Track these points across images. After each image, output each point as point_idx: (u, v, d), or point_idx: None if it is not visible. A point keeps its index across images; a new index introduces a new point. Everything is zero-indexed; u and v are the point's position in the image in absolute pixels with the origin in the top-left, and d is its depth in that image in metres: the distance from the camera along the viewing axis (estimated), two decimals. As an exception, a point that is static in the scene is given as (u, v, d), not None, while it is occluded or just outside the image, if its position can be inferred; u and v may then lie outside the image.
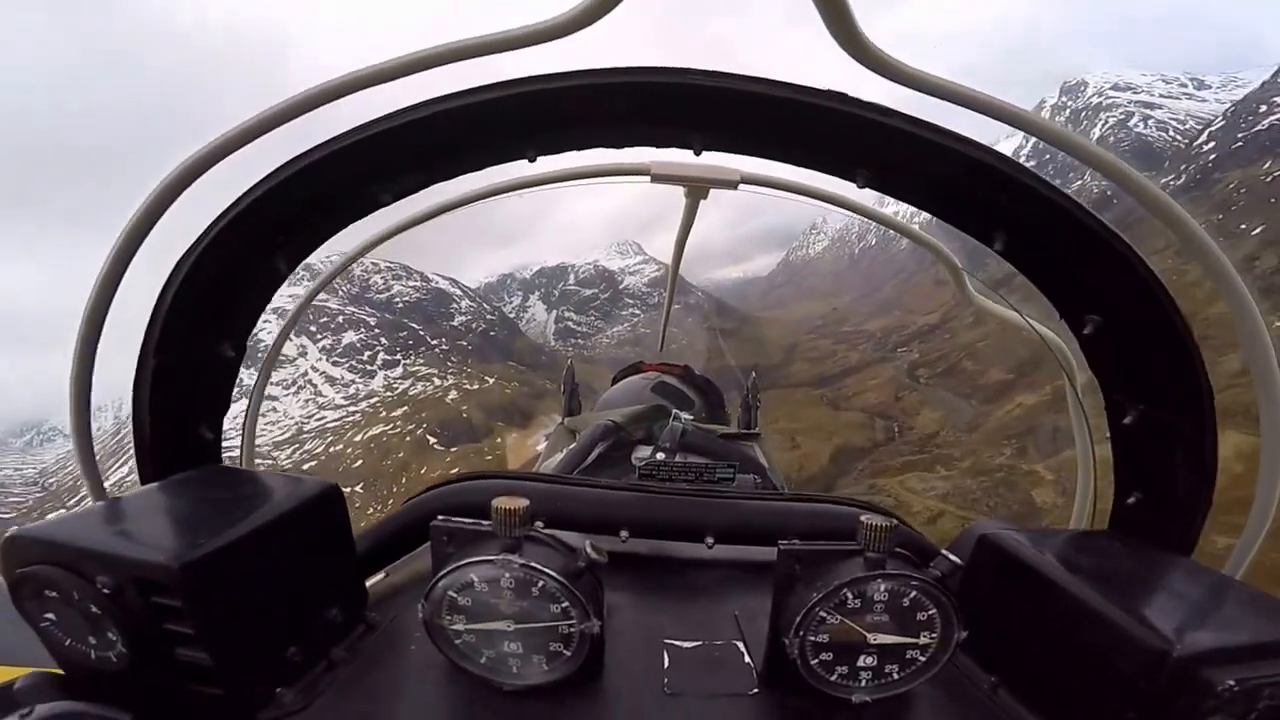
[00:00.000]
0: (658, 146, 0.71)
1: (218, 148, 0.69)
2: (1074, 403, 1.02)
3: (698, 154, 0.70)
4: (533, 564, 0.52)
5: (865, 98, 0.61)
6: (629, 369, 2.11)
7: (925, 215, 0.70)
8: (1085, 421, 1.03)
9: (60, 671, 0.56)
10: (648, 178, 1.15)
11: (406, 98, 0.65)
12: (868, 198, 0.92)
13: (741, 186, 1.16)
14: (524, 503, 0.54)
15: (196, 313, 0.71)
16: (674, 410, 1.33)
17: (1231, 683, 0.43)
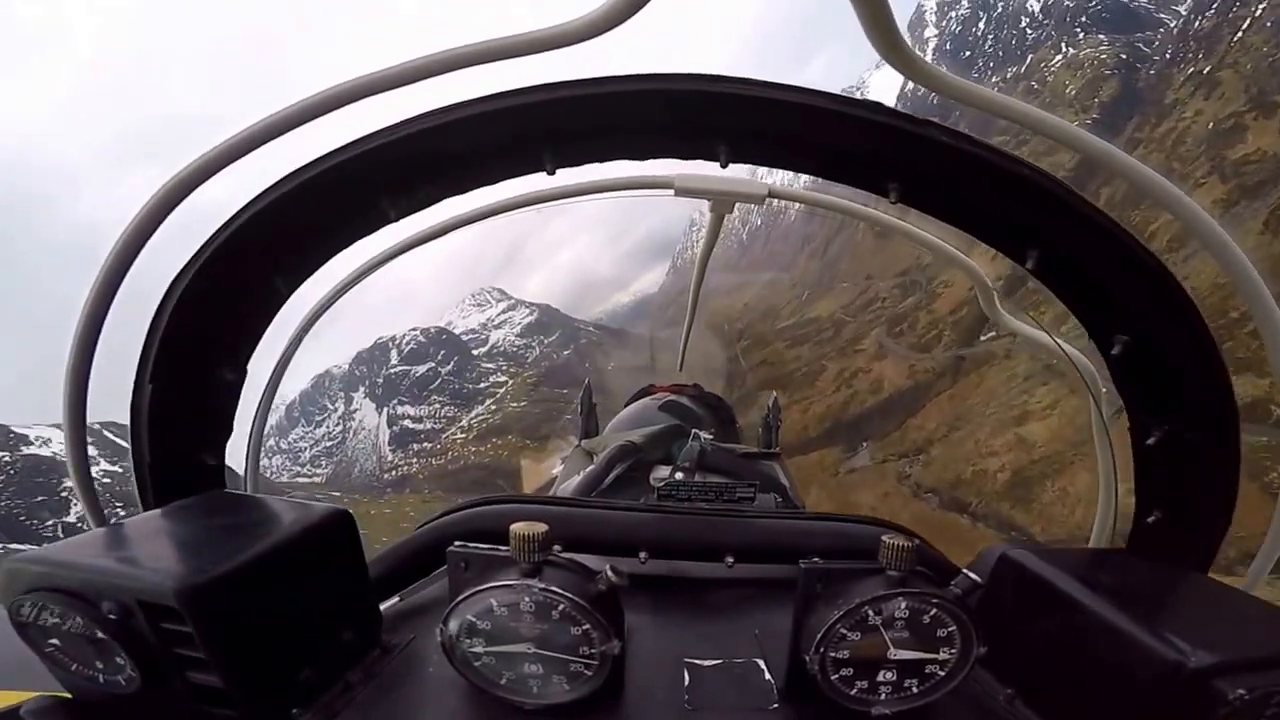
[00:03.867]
0: (683, 158, 0.80)
1: (218, 156, 0.76)
2: (1098, 423, 1.22)
3: (724, 166, 0.80)
4: (553, 588, 0.60)
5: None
6: (640, 393, 2.40)
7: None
8: (1108, 442, 1.21)
9: (68, 695, 0.63)
10: (671, 192, 1.30)
11: (417, 106, 0.72)
12: (895, 212, 1.04)
13: (769, 200, 1.31)
14: (543, 528, 0.62)
15: (194, 336, 0.79)
16: (693, 430, 1.52)
17: (1242, 692, 0.53)
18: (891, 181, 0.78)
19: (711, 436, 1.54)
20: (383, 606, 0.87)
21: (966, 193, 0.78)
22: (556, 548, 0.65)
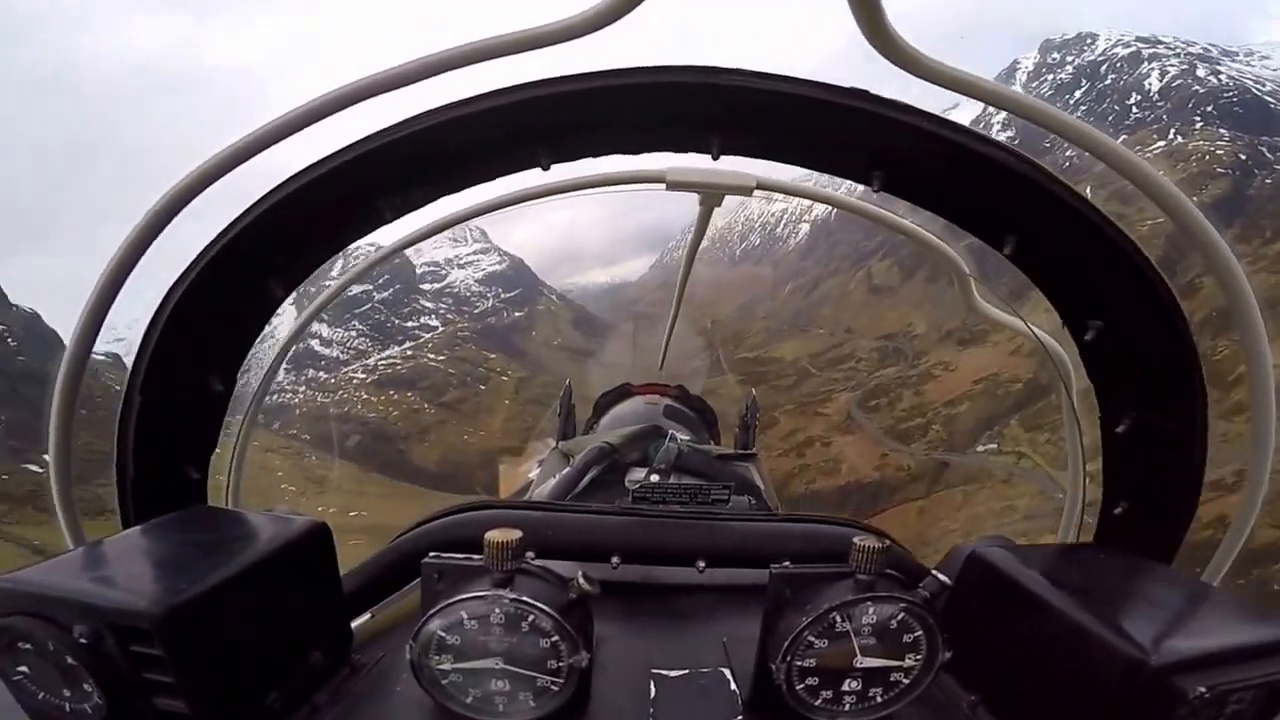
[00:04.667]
0: (676, 151, 0.86)
1: (216, 166, 0.81)
2: (1068, 412, 1.25)
3: (716, 158, 0.84)
4: (524, 599, 0.62)
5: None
6: (615, 391, 2.46)
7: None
8: (1078, 433, 1.26)
9: None
10: (663, 185, 1.37)
11: (412, 108, 0.76)
12: (878, 203, 1.08)
13: (756, 192, 1.40)
14: (516, 534, 0.64)
15: (186, 346, 0.83)
16: (670, 431, 1.58)
17: (1203, 690, 0.55)
18: (875, 170, 0.81)
19: (689, 438, 1.62)
20: (356, 622, 0.89)
21: (947, 179, 0.82)
22: (530, 555, 0.67)
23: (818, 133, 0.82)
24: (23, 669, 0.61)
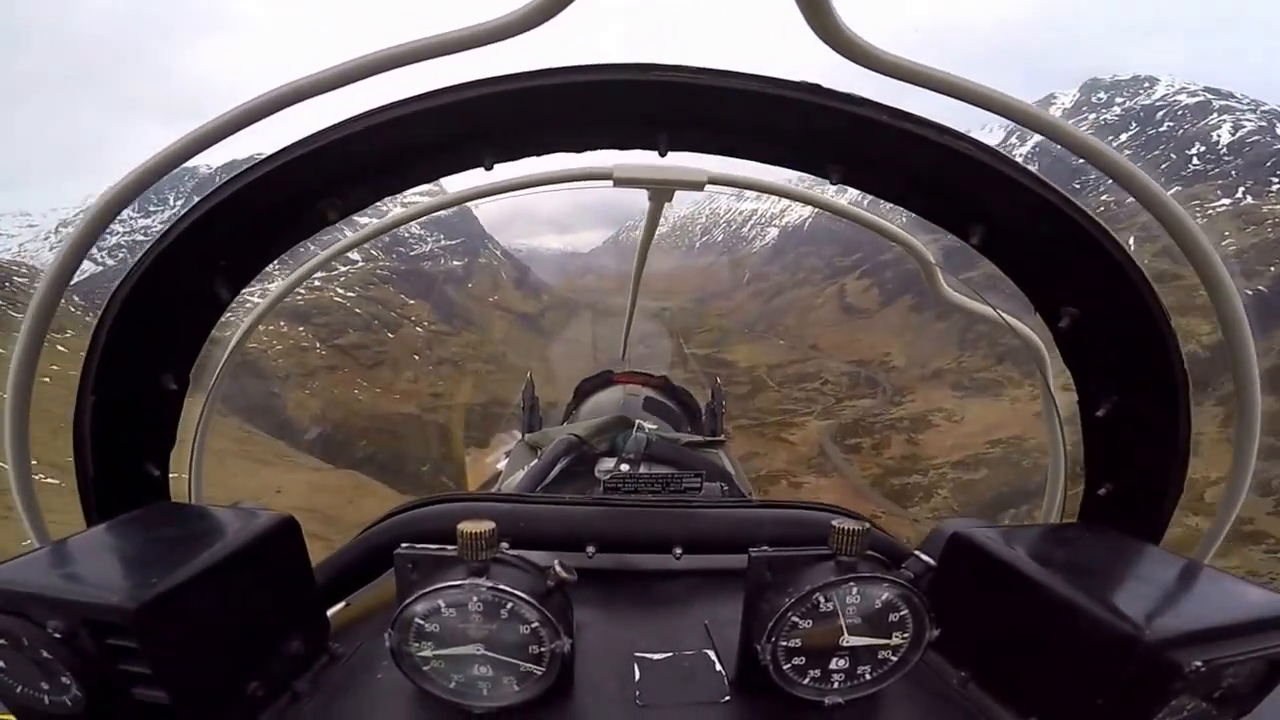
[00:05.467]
0: (621, 148, 0.85)
1: (155, 165, 0.80)
2: (1046, 398, 1.26)
3: (663, 155, 0.84)
4: (501, 586, 0.62)
5: (846, 89, 0.72)
6: (597, 378, 2.42)
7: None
8: (1057, 416, 1.27)
9: (12, 718, 0.65)
10: (610, 182, 1.37)
11: (348, 109, 0.76)
12: (839, 195, 1.07)
13: (709, 186, 1.39)
14: (490, 525, 0.64)
15: (135, 345, 0.83)
16: (637, 421, 1.57)
17: (1198, 664, 0.56)
18: (832, 164, 0.82)
19: (656, 427, 1.62)
20: (330, 612, 0.89)
21: (909, 171, 0.82)
22: (504, 545, 0.67)
23: (768, 128, 0.81)
24: None
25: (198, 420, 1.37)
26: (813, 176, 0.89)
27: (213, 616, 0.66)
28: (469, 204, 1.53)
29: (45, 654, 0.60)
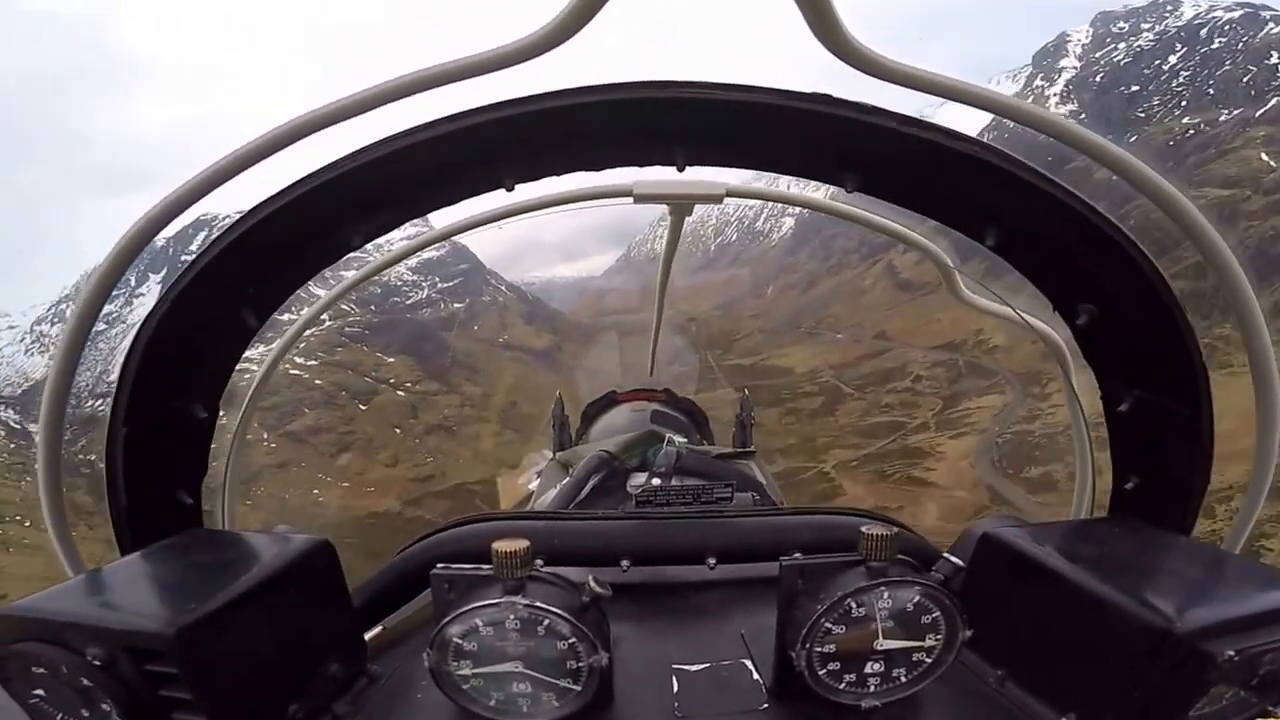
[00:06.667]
0: (640, 165, 0.87)
1: (180, 198, 0.83)
2: (1069, 394, 1.27)
3: (681, 170, 0.86)
4: (537, 604, 0.63)
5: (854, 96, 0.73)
6: (601, 400, 2.46)
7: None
8: (1080, 412, 1.29)
9: None
10: (630, 199, 1.39)
11: (369, 135, 0.77)
12: (855, 203, 1.16)
13: (728, 199, 1.41)
14: (524, 543, 0.65)
15: (165, 375, 0.85)
16: (668, 435, 1.57)
17: (1232, 653, 0.56)
18: (847, 172, 0.83)
19: (685, 440, 1.59)
20: (367, 635, 0.91)
21: (922, 176, 0.84)
22: (539, 563, 0.68)
23: (782, 139, 0.83)
24: (39, 693, 0.63)
25: (229, 448, 1.39)
26: (829, 185, 0.89)
27: (251, 640, 0.67)
28: (475, 232, 1.55)
29: (85, 681, 0.61)
